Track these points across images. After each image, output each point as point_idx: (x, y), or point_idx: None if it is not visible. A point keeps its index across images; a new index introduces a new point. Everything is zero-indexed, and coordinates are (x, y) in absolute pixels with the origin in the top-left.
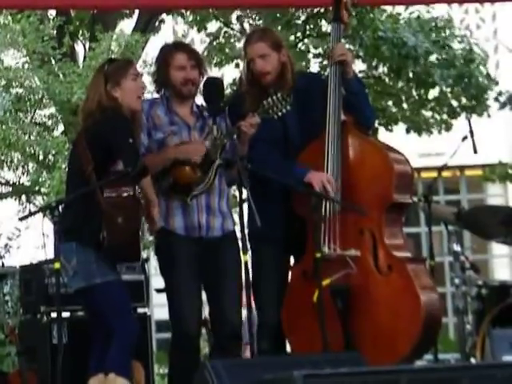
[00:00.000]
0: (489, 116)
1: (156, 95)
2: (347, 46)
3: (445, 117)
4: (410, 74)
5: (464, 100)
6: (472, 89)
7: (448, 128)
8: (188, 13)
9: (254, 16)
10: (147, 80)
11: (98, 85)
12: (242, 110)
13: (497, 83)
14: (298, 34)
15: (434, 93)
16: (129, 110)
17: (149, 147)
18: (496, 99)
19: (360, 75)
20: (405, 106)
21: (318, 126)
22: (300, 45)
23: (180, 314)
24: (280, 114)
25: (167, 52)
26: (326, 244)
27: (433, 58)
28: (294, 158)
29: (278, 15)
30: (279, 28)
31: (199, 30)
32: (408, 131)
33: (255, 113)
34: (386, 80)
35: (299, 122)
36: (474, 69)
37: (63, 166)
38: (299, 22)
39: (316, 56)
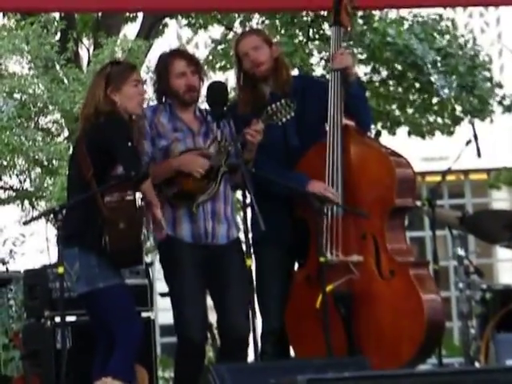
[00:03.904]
0: (491, 121)
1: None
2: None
3: (448, 121)
4: (415, 83)
5: (468, 105)
6: (475, 98)
7: (451, 133)
8: (191, 17)
9: (257, 20)
10: (150, 86)
11: (97, 87)
12: (236, 114)
13: (501, 86)
14: (301, 38)
15: (437, 97)
16: (127, 114)
17: (153, 155)
18: (500, 103)
19: (363, 78)
20: (408, 110)
21: (315, 130)
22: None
23: (185, 320)
24: (284, 120)
25: (166, 60)
26: (329, 250)
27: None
28: (293, 164)
29: (277, 16)
30: (283, 31)
31: (200, 27)
32: (410, 134)
33: (259, 119)
34: (390, 83)
35: (298, 127)
36: (477, 75)
37: (65, 172)
38: (304, 23)
39: (320, 60)
